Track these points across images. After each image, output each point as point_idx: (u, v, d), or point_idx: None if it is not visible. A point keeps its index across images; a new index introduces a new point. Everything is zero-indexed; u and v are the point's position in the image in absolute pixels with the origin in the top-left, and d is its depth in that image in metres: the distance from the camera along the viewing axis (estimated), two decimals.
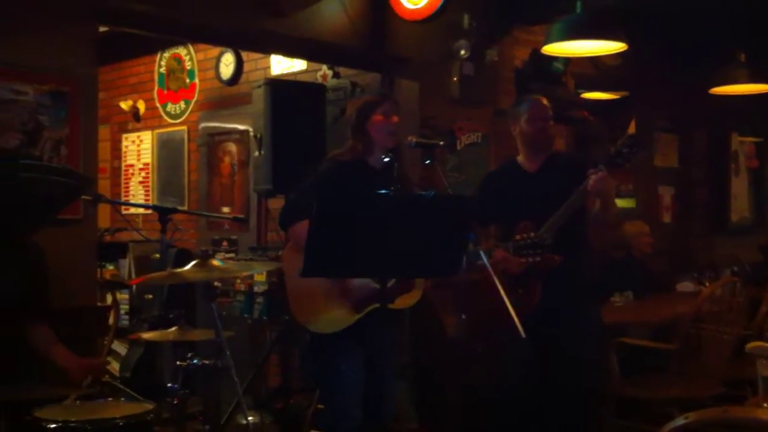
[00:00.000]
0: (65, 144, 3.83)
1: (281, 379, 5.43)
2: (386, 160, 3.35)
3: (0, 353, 2.45)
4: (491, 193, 3.91)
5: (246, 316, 5.64)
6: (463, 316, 3.56)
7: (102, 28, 4.60)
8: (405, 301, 3.33)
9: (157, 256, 6.16)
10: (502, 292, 3.07)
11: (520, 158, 3.91)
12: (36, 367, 3.19)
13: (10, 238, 2.27)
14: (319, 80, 6.09)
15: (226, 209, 6.72)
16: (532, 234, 3.47)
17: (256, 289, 5.64)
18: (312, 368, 3.51)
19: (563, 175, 3.67)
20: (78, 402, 2.89)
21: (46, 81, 3.80)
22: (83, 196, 3.52)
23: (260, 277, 5.58)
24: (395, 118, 3.41)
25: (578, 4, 4.68)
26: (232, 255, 6.34)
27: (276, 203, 5.91)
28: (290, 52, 5.78)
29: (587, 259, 3.84)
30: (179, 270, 2.95)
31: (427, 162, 3.33)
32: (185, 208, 6.76)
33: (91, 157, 3.97)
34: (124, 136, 7.79)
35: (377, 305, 3.07)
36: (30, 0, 3.78)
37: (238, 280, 5.65)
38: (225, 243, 6.41)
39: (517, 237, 3.49)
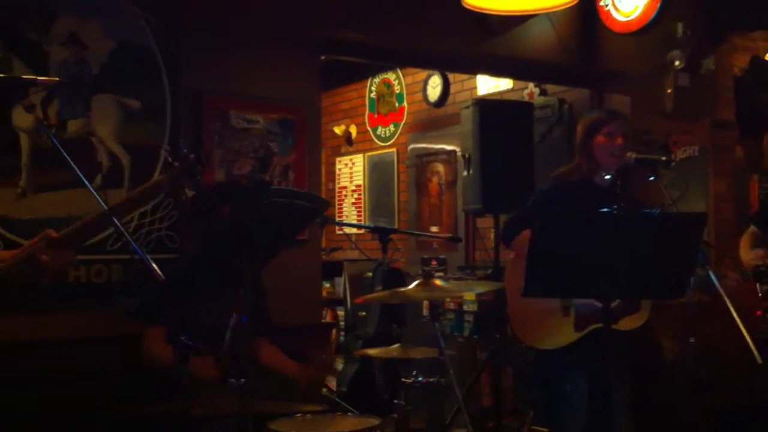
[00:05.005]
0: (292, 169, 4.06)
1: (492, 398, 5.42)
2: (607, 177, 3.29)
3: (247, 369, 2.63)
4: None
5: (456, 334, 5.68)
6: (692, 340, 3.40)
7: None
8: (630, 323, 3.24)
9: (369, 274, 6.37)
10: (735, 316, 2.91)
11: None
12: (268, 383, 3.38)
13: (263, 262, 2.45)
14: (526, 98, 6.08)
15: (434, 228, 6.83)
16: None
17: (465, 307, 5.69)
18: (535, 387, 3.48)
19: None
20: (308, 416, 3.02)
21: (275, 110, 4.05)
22: None
23: (470, 296, 5.61)
24: (620, 140, 3.34)
25: None
26: (440, 274, 6.41)
27: (485, 222, 5.94)
28: (498, 72, 5.81)
29: None
30: (403, 289, 3.03)
31: (651, 179, 3.23)
32: (396, 227, 6.93)
33: (315, 180, 4.18)
34: (338, 159, 8.14)
35: (600, 325, 3.02)
36: (258, 34, 4.04)
37: (448, 299, 5.70)
38: (434, 262, 6.50)
39: (758, 263, 3.31)
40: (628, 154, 3.40)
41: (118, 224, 2.19)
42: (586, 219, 2.77)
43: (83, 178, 2.21)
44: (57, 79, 2.73)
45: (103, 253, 3.50)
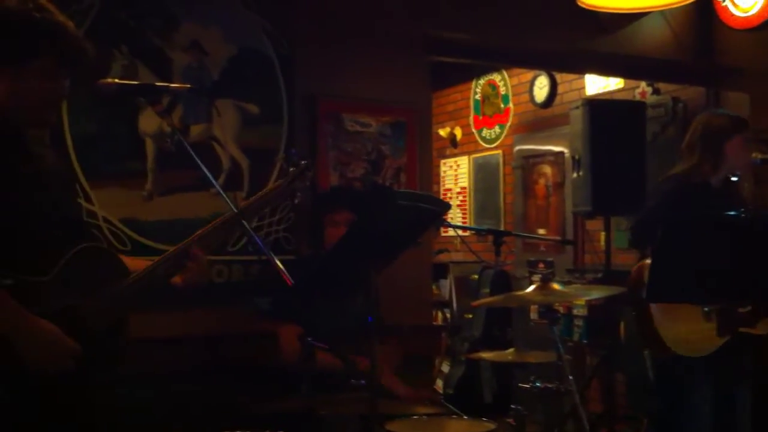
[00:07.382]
0: (404, 171, 4.08)
1: (603, 405, 5.31)
2: (734, 179, 3.22)
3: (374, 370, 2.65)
4: None
5: (565, 338, 5.59)
6: None
7: None
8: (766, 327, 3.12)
9: (476, 277, 6.34)
10: None
11: None
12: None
13: (386, 265, 2.47)
14: (637, 97, 5.94)
15: (541, 231, 6.74)
16: None
17: (575, 311, 5.59)
18: (655, 394, 3.40)
19: None
20: (424, 418, 3.02)
21: (387, 113, 4.08)
22: None
23: (579, 301, 5.51)
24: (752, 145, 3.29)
25: None
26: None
27: (594, 224, 5.83)
28: (610, 71, 5.70)
29: None
30: (521, 292, 3.00)
31: None
32: (501, 230, 6.87)
33: (426, 182, 4.19)
34: (443, 161, 8.11)
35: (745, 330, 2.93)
36: (367, 36, 4.07)
37: (557, 303, 5.60)
38: (541, 265, 6.41)
39: None
40: (753, 154, 3.34)
41: (247, 226, 2.24)
42: (714, 223, 2.70)
43: (214, 182, 2.26)
44: (188, 85, 2.81)
45: (225, 254, 3.59)
